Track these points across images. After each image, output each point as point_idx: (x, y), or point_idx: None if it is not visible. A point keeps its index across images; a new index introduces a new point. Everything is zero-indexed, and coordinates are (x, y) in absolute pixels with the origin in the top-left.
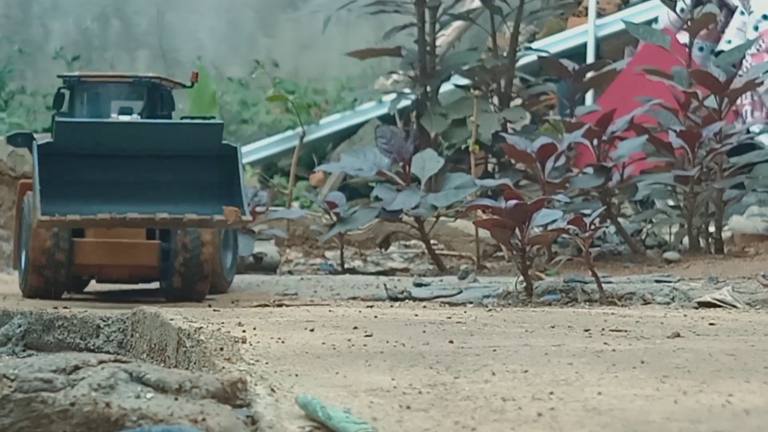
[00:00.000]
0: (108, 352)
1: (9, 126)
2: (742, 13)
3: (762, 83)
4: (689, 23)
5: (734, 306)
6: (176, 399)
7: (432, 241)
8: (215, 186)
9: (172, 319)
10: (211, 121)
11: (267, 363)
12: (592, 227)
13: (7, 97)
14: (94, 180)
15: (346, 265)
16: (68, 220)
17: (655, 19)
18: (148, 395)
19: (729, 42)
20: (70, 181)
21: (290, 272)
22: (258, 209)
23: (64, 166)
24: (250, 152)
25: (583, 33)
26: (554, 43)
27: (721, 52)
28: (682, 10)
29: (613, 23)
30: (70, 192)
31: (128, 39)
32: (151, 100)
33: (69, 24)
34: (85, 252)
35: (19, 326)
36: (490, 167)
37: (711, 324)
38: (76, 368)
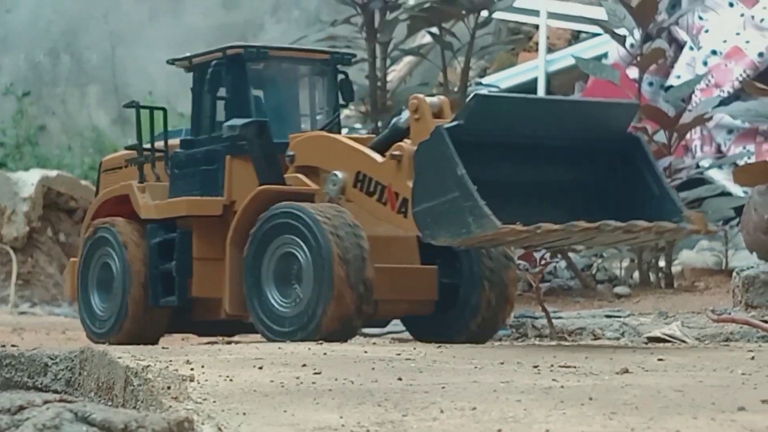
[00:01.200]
0: (56, 391)
1: None
2: (692, 48)
3: (711, 118)
4: (639, 58)
5: (683, 341)
6: None
7: None
8: (616, 187)
9: (119, 358)
10: (624, 100)
11: (215, 401)
12: (543, 263)
13: None
14: (499, 177)
15: None
16: (543, 231)
17: (605, 55)
18: None
19: (678, 77)
20: (478, 178)
21: None
22: None
23: (474, 158)
24: None
25: (533, 68)
26: (505, 78)
27: (671, 87)
28: (632, 45)
29: (563, 58)
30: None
31: (79, 74)
32: (331, 81)
33: (20, 59)
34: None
35: None
36: None
37: (660, 360)
38: (21, 408)
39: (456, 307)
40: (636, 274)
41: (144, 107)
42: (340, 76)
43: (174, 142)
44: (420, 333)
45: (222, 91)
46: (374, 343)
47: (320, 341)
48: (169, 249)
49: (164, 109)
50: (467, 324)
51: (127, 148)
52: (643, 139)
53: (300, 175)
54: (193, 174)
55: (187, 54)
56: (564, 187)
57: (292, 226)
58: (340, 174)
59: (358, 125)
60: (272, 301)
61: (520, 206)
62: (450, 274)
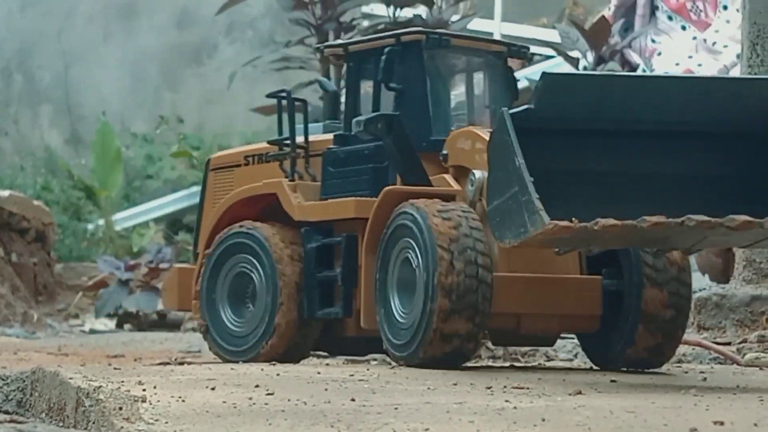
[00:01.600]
0: (6, 412)
1: None
2: (644, 70)
3: None
4: None
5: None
6: None
7: None
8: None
9: (71, 378)
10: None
11: (167, 422)
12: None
13: None
14: (582, 170)
15: None
16: (601, 227)
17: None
18: None
19: None
20: (554, 170)
21: (194, 329)
22: (162, 265)
23: (546, 147)
24: (155, 208)
25: None
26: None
27: None
28: (585, 68)
29: (518, 80)
30: (555, 187)
31: (32, 94)
32: (500, 75)
33: None
34: (501, 295)
35: None
36: None
37: (612, 381)
38: None
39: (621, 322)
40: None
41: (291, 98)
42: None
43: (317, 137)
44: (589, 351)
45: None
46: (328, 364)
47: (422, 365)
48: (328, 255)
49: (305, 102)
50: (625, 351)
51: (270, 142)
52: None
53: (446, 176)
54: (357, 172)
55: (340, 41)
56: (677, 180)
57: (410, 228)
58: (477, 173)
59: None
60: (395, 313)
61: (621, 202)
62: (618, 284)
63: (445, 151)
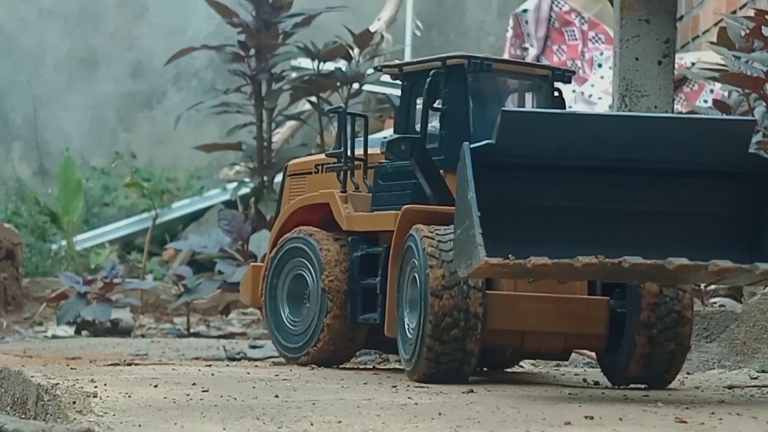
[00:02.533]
0: None
1: None
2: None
3: None
4: None
5: (522, 366)
6: None
7: None
8: (729, 219)
9: (32, 376)
10: (740, 117)
11: (114, 415)
12: None
13: None
14: (545, 205)
15: (191, 330)
16: (533, 266)
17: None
18: None
19: None
20: (510, 205)
21: (143, 335)
22: (115, 281)
23: (503, 182)
24: (111, 231)
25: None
26: (374, 140)
27: None
28: None
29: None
30: (510, 222)
31: (5, 132)
32: (547, 98)
33: None
34: (502, 313)
35: None
36: None
37: (499, 382)
38: None
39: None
40: None
41: (349, 113)
42: (556, 93)
43: (376, 151)
44: (602, 367)
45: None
46: (257, 366)
47: (424, 381)
48: (372, 263)
49: (366, 117)
50: (628, 366)
51: (328, 155)
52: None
53: None
54: (403, 186)
55: (396, 61)
56: (642, 217)
57: (413, 250)
58: None
59: (247, 179)
60: (406, 326)
61: (584, 238)
62: (623, 307)
63: None
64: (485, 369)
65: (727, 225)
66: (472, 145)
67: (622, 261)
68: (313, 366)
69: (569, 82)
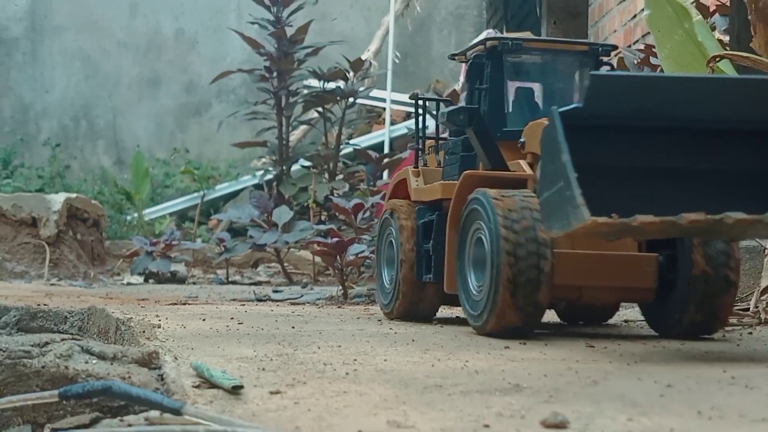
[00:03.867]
0: (71, 334)
1: (13, 188)
2: None
3: None
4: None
5: None
6: (111, 364)
7: (285, 264)
8: None
9: (113, 312)
10: None
11: (173, 341)
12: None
13: (12, 169)
14: (629, 166)
15: (230, 279)
16: (639, 224)
17: (427, 127)
18: (93, 361)
19: None
20: (594, 166)
21: (194, 283)
22: (173, 243)
23: (588, 144)
24: (169, 206)
25: (381, 134)
26: (364, 141)
27: None
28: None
29: (400, 129)
30: (594, 183)
31: (92, 133)
32: None
33: (54, 123)
34: (564, 269)
35: (14, 316)
36: (322, 217)
37: (458, 316)
38: (47, 344)
39: (671, 300)
40: None
41: (427, 98)
42: (605, 67)
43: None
44: (648, 319)
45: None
46: (278, 305)
47: (492, 334)
48: (430, 230)
49: (440, 100)
50: (681, 318)
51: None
52: None
53: (521, 161)
54: (457, 160)
55: (463, 48)
56: (721, 176)
57: (479, 212)
58: None
59: (270, 168)
60: (470, 284)
61: (666, 197)
62: (671, 266)
63: (522, 139)
64: (580, 322)
65: None
66: (561, 109)
67: (724, 217)
68: (394, 319)
69: (609, 56)
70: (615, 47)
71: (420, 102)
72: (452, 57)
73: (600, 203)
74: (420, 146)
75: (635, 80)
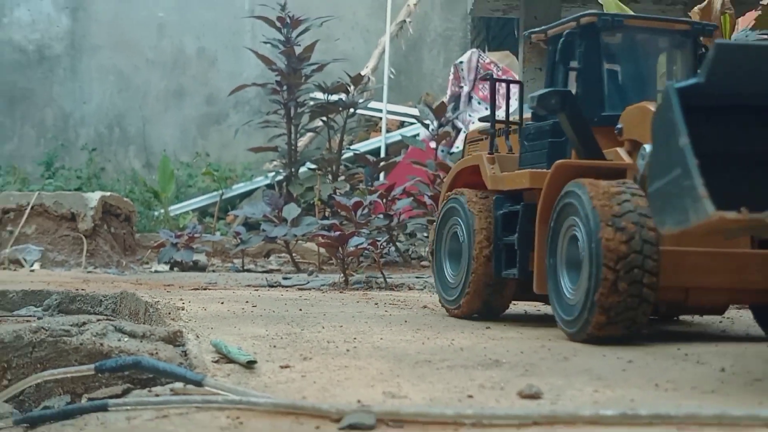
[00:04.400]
0: (105, 315)
1: (55, 187)
2: (464, 131)
3: None
4: (436, 137)
5: None
6: (141, 341)
7: (293, 254)
8: None
9: (142, 296)
10: None
11: (195, 321)
12: (381, 247)
13: (54, 170)
14: (755, 152)
15: (245, 267)
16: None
17: (418, 134)
18: (125, 339)
19: (458, 147)
20: (717, 154)
21: (213, 271)
22: (195, 235)
23: (710, 128)
24: (192, 203)
25: (378, 141)
26: (363, 146)
27: (453, 152)
28: (432, 129)
29: (395, 136)
30: (716, 172)
31: (124, 139)
32: (691, 55)
33: (91, 130)
34: (670, 270)
35: (56, 299)
36: (326, 214)
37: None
38: (84, 324)
39: None
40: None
41: (498, 80)
42: (702, 50)
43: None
44: (760, 320)
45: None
46: (287, 290)
47: (589, 341)
48: (513, 221)
49: (521, 83)
50: None
51: (481, 120)
52: None
53: (619, 149)
54: (542, 146)
55: (543, 27)
56: None
57: (575, 206)
58: (648, 147)
59: (281, 170)
60: (563, 286)
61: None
62: None
63: (620, 125)
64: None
65: None
66: (678, 85)
67: None
68: (463, 316)
69: (711, 35)
70: (716, 27)
71: (496, 84)
72: (530, 34)
73: (719, 196)
74: (492, 130)
75: None
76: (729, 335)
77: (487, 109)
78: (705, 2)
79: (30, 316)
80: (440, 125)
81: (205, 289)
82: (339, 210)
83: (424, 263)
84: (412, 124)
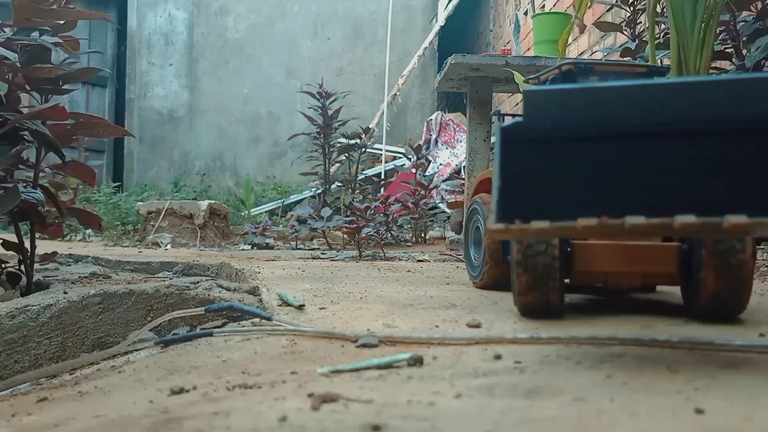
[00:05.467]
0: (211, 277)
1: (180, 198)
2: (434, 162)
3: (437, 186)
4: (416, 165)
5: (429, 261)
6: (233, 293)
7: (327, 238)
8: None
9: (234, 265)
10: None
11: (266, 280)
12: (382, 234)
13: (179, 187)
14: (591, 174)
15: (297, 247)
16: (533, 230)
17: (404, 164)
18: (223, 291)
19: (430, 172)
20: (551, 175)
21: (278, 249)
22: (266, 227)
23: (538, 154)
24: (265, 208)
25: (380, 168)
26: (370, 171)
27: (426, 175)
28: (413, 160)
29: (390, 165)
30: (553, 190)
31: (222, 168)
32: None
33: (201, 162)
34: (587, 257)
35: (180, 267)
36: (347, 213)
37: (421, 266)
38: (198, 282)
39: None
40: (413, 238)
41: (502, 114)
42: None
43: None
44: (684, 301)
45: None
46: (323, 261)
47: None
48: None
49: (520, 116)
50: (698, 302)
51: None
52: None
53: None
54: None
55: (535, 74)
56: (678, 177)
57: (477, 209)
58: None
59: (319, 186)
60: (471, 255)
61: (608, 200)
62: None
63: None
64: None
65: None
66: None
67: (624, 222)
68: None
69: (663, 75)
70: (668, 68)
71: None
72: (526, 81)
73: (554, 210)
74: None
75: (571, 93)
76: (645, 300)
77: (446, 147)
78: None
79: (165, 277)
80: (418, 158)
81: (273, 261)
82: (355, 211)
83: (408, 244)
84: (401, 157)
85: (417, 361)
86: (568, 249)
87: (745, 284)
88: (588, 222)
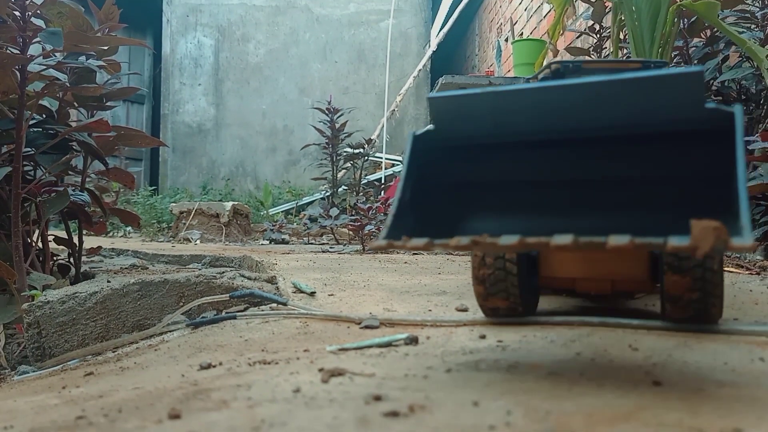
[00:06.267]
0: (234, 268)
1: (207, 199)
2: None
3: None
4: None
5: (422, 254)
6: (254, 281)
7: (335, 235)
8: (692, 180)
9: (255, 258)
10: (686, 69)
11: (283, 271)
12: (381, 230)
13: (207, 191)
14: (488, 182)
15: (309, 242)
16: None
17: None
18: (245, 280)
19: None
20: (453, 184)
21: (292, 244)
22: (282, 225)
23: (442, 163)
24: (281, 208)
25: (380, 174)
26: (372, 177)
27: None
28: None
29: (390, 171)
30: (456, 200)
31: (244, 174)
32: None
33: (225, 170)
34: (550, 263)
35: (208, 259)
36: (353, 213)
37: (416, 259)
38: (223, 272)
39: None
40: None
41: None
42: None
43: None
44: (661, 307)
45: None
46: (332, 254)
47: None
48: None
49: None
50: (664, 307)
51: None
52: (738, 113)
53: None
54: None
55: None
56: (580, 185)
57: None
58: None
59: (328, 190)
60: None
61: (527, 210)
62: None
63: None
64: None
65: (692, 187)
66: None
67: (495, 242)
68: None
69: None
70: (666, 63)
71: None
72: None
73: (459, 218)
74: None
75: (471, 98)
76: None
77: None
78: None
79: (194, 268)
80: None
81: (288, 254)
82: (359, 211)
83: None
84: (398, 164)
85: (413, 341)
86: (533, 255)
87: (712, 292)
88: (459, 241)
